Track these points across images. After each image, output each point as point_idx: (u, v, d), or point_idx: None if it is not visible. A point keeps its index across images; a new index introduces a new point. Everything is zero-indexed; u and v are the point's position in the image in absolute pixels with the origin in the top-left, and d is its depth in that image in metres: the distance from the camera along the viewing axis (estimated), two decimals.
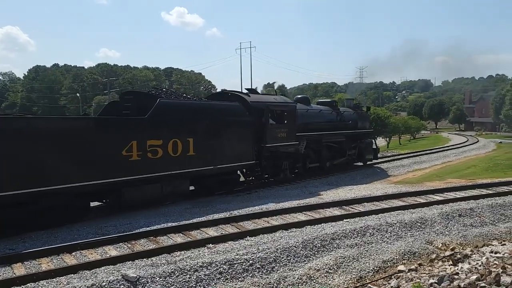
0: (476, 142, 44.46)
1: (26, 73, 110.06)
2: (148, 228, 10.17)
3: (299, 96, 21.07)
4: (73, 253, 8.59)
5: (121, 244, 9.19)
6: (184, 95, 15.89)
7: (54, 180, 10.08)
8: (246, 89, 17.86)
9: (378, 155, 25.56)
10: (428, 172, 23.00)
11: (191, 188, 14.34)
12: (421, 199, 14.19)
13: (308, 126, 18.87)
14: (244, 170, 16.83)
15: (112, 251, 8.81)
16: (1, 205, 9.39)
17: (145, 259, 8.23)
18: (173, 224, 10.61)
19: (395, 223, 10.94)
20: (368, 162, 23.92)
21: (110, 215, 11.85)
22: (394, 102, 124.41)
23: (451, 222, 11.62)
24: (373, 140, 25.24)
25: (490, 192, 15.29)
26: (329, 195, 15.10)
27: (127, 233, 9.72)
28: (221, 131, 14.25)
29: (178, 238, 9.72)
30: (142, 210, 12.60)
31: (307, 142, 18.67)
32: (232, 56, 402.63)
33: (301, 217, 11.73)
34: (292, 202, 13.72)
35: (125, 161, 11.48)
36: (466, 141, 46.40)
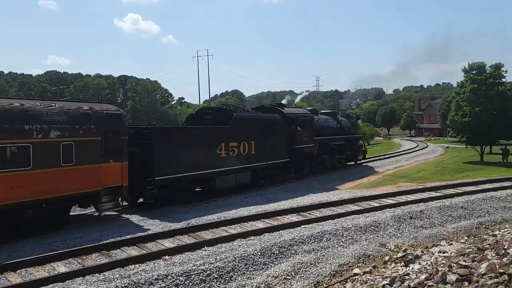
0: (425, 147, 46.68)
1: None
2: (100, 242, 9.82)
3: (309, 108, 26.77)
4: (17, 271, 8.10)
5: (70, 259, 8.77)
6: (248, 109, 21.86)
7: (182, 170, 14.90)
8: (277, 103, 23.90)
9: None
10: (381, 177, 23.87)
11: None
12: (374, 203, 14.68)
13: (320, 132, 23.43)
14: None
15: (61, 267, 8.39)
16: (163, 185, 14.20)
17: (97, 274, 7.91)
18: (128, 236, 10.30)
19: (351, 227, 11.24)
20: (358, 161, 28.72)
21: (58, 230, 11.32)
22: (349, 110, 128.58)
23: (403, 224, 12.10)
24: (362, 144, 30.60)
25: (439, 194, 16.09)
26: (287, 202, 15.29)
27: (78, 247, 9.31)
28: (270, 136, 19.26)
29: (133, 251, 9.43)
30: (94, 223, 12.14)
31: (319, 145, 23.17)
32: (189, 64, 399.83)
33: (259, 224, 11.76)
34: (251, 210, 13.74)
35: (218, 157, 16.33)
36: (416, 147, 48.48)
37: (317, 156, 23.41)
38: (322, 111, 28.78)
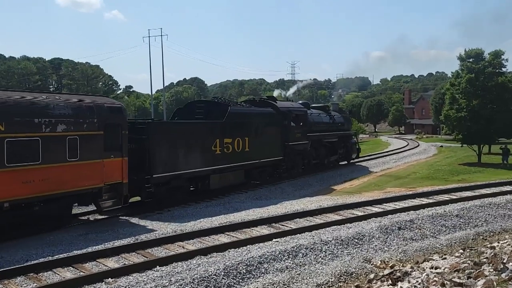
0: (416, 147, 48.28)
1: None
2: (28, 263, 9.53)
3: (300, 102, 28.08)
4: None
5: None
6: (242, 103, 23.47)
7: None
8: (268, 96, 25.09)
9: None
10: (366, 181, 24.41)
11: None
12: (358, 212, 15.02)
13: (312, 128, 24.89)
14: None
15: None
16: (160, 183, 15.81)
17: None
18: (61, 255, 10.03)
19: (331, 241, 11.42)
20: (351, 161, 30.68)
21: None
22: (330, 102, 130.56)
23: (390, 236, 12.41)
24: (356, 141, 32.39)
25: (431, 201, 16.65)
26: (257, 212, 15.38)
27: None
28: (264, 132, 20.86)
29: (68, 273, 9.20)
30: (20, 239, 11.75)
31: (311, 142, 24.57)
32: (139, 46, 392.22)
33: (223, 239, 11.78)
34: (213, 221, 13.72)
35: (213, 155, 17.95)
36: (406, 146, 50.02)
37: (309, 154, 25.10)
38: (313, 105, 30.45)
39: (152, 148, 15.45)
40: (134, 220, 14.33)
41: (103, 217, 14.73)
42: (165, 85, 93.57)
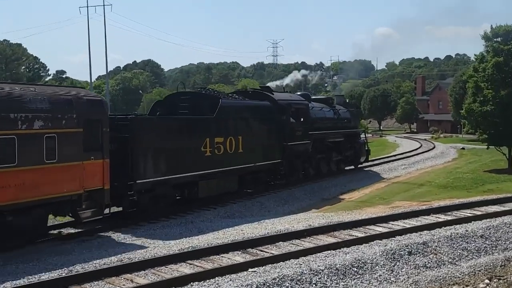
0: (432, 149, 48.70)
1: None
2: None
3: (299, 93, 29.15)
4: None
5: None
6: (234, 95, 24.10)
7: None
8: (261, 87, 26.29)
9: None
10: (368, 193, 24.61)
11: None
12: (358, 233, 15.02)
13: (314, 124, 25.69)
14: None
15: None
16: (144, 190, 16.81)
17: None
18: None
19: (323, 270, 11.41)
20: (359, 165, 31.68)
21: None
22: (322, 92, 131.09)
23: (398, 263, 12.46)
24: (365, 140, 33.57)
25: (449, 218, 16.80)
26: (228, 233, 15.30)
27: None
28: (260, 130, 22.06)
29: None
30: None
31: (313, 142, 25.31)
32: (74, 19, 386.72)
33: (184, 269, 11.71)
34: (171, 246, 13.59)
35: (203, 157, 18.88)
36: (418, 148, 50.47)
37: (311, 156, 26.10)
38: (314, 97, 31.44)
39: (136, 148, 16.34)
40: (66, 246, 14.18)
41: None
42: (109, 70, 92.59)
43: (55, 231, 15.70)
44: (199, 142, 18.89)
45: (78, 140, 14.05)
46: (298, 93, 30.72)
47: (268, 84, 38.26)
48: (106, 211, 15.74)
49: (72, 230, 15.86)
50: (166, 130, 17.78)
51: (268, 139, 22.57)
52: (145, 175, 16.64)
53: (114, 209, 17.16)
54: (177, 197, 19.27)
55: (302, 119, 24.69)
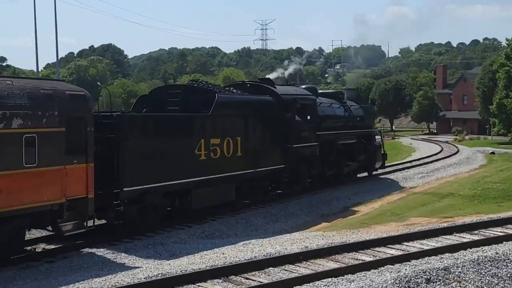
0: (455, 154, 48.90)
1: None
2: None
3: (304, 86, 29.80)
4: None
5: None
6: (231, 88, 24.48)
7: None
8: (260, 79, 26.76)
9: None
10: (378, 207, 24.58)
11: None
12: (365, 257, 14.82)
13: (322, 123, 26.25)
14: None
15: None
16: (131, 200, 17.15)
17: None
18: None
19: None
20: (374, 172, 32.46)
21: None
22: (321, 84, 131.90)
23: None
24: (381, 143, 33.83)
25: (476, 238, 16.55)
26: (206, 258, 15.19)
27: None
28: (261, 130, 22.51)
29: None
30: None
31: (321, 143, 25.89)
32: None
33: None
34: (135, 273, 13.48)
35: (197, 161, 19.28)
36: (439, 152, 50.88)
37: (320, 161, 26.39)
38: (321, 91, 32.28)
39: (123, 151, 16.63)
40: (9, 274, 13.89)
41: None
42: (60, 57, 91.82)
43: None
44: (193, 143, 19.14)
45: (60, 141, 14.32)
46: (303, 86, 31.04)
47: (268, 76, 38.21)
48: (90, 223, 15.93)
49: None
50: (159, 130, 18.12)
51: (270, 141, 22.99)
52: (133, 182, 16.85)
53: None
54: (168, 209, 19.55)
55: (308, 117, 24.88)
